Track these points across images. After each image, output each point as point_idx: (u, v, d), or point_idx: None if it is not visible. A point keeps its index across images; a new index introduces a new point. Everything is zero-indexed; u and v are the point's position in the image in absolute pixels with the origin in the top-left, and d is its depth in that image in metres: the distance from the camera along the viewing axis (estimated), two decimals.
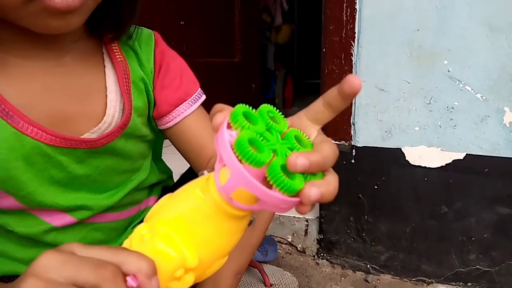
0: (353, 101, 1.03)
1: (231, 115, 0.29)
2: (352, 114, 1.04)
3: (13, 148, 0.47)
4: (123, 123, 0.55)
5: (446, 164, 0.98)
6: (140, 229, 0.32)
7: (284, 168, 0.27)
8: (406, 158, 1.01)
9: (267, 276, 0.97)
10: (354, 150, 1.05)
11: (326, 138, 0.32)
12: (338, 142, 1.05)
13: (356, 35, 1.00)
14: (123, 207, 0.62)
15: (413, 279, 1.07)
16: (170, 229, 0.30)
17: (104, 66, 0.56)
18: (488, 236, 0.99)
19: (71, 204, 0.54)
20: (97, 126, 0.53)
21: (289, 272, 1.04)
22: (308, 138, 0.32)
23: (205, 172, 0.33)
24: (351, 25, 0.99)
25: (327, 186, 0.28)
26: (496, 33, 0.90)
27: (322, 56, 1.07)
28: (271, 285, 0.97)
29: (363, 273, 1.11)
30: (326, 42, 1.04)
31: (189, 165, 0.68)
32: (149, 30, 0.63)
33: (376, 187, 1.05)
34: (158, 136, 0.66)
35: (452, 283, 1.04)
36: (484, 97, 0.93)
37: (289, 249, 1.20)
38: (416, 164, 1.01)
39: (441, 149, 0.98)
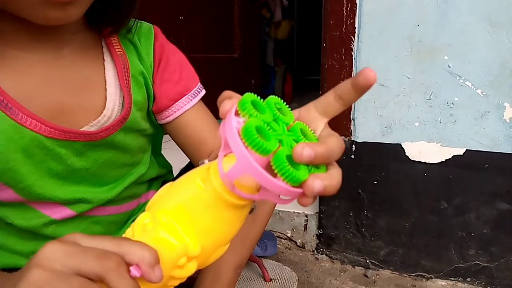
0: None
1: (240, 102, 0.29)
2: (352, 109, 1.04)
3: (12, 139, 0.47)
4: (123, 117, 0.55)
5: (446, 160, 0.98)
6: (142, 218, 0.32)
7: (289, 158, 0.27)
8: (406, 154, 1.01)
9: (266, 271, 0.97)
10: (354, 146, 1.05)
11: (332, 132, 0.32)
12: None
13: (356, 30, 1.00)
14: (123, 200, 0.62)
15: (413, 274, 1.07)
16: (172, 218, 0.31)
17: (103, 60, 0.56)
18: (488, 231, 0.99)
19: (71, 197, 0.54)
20: (96, 120, 0.53)
21: (289, 267, 1.04)
22: (313, 133, 0.32)
23: (206, 161, 0.33)
24: (352, 20, 0.99)
25: (330, 179, 0.28)
26: (496, 29, 0.89)
27: (322, 51, 1.07)
28: (271, 279, 0.97)
29: (362, 268, 1.11)
30: (326, 37, 1.03)
31: (189, 160, 0.68)
32: (149, 24, 0.62)
33: (375, 182, 1.05)
34: (158, 130, 0.66)
35: (451, 278, 1.04)
36: (484, 93, 0.93)
37: (288, 244, 1.20)
38: (416, 160, 1.01)
39: (441, 145, 0.98)
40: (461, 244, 1.01)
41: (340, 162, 0.30)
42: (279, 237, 1.21)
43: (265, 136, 0.28)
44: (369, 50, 1.00)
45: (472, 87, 0.94)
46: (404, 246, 1.07)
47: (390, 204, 1.06)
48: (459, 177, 0.98)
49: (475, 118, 0.95)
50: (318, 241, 1.17)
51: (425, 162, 1.00)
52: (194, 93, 0.63)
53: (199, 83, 0.65)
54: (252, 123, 0.27)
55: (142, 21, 0.61)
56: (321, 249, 1.16)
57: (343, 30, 1.00)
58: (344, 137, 1.06)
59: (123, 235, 0.33)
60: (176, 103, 0.61)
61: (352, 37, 1.00)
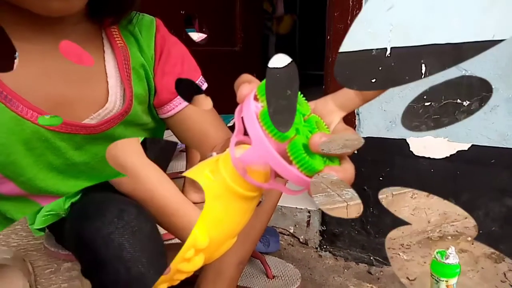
0: None
1: (259, 87, 0.29)
2: None
3: (13, 132, 0.46)
4: (124, 110, 0.54)
5: (451, 155, 0.97)
6: None
7: (305, 147, 0.27)
8: (411, 149, 1.00)
9: (269, 267, 0.96)
10: None
11: (347, 126, 0.32)
12: None
13: None
14: None
15: None
16: None
17: (104, 51, 0.55)
18: (496, 229, 0.97)
19: (72, 191, 0.54)
20: (97, 112, 0.52)
21: (292, 264, 1.03)
22: (327, 128, 0.32)
23: (214, 153, 0.32)
24: (358, 11, 0.97)
25: (344, 173, 0.27)
26: None
27: (326, 44, 1.05)
28: (274, 276, 0.96)
29: (366, 265, 1.10)
30: (331, 30, 1.01)
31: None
32: (151, 16, 0.61)
33: (381, 178, 1.04)
34: (159, 124, 0.64)
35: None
36: (493, 87, 0.91)
37: (291, 241, 1.19)
38: (421, 155, 0.99)
39: (448, 140, 0.96)
40: None
41: None
42: (281, 233, 1.20)
43: None
44: None
45: None
46: None
47: None
48: (466, 172, 0.97)
49: (484, 112, 0.93)
50: (321, 238, 1.15)
51: (429, 158, 0.99)
52: None
53: (201, 76, 0.64)
54: None
55: (144, 14, 0.60)
56: (325, 246, 1.15)
57: (349, 22, 0.98)
58: None
59: None
60: (178, 96, 0.60)
61: None
